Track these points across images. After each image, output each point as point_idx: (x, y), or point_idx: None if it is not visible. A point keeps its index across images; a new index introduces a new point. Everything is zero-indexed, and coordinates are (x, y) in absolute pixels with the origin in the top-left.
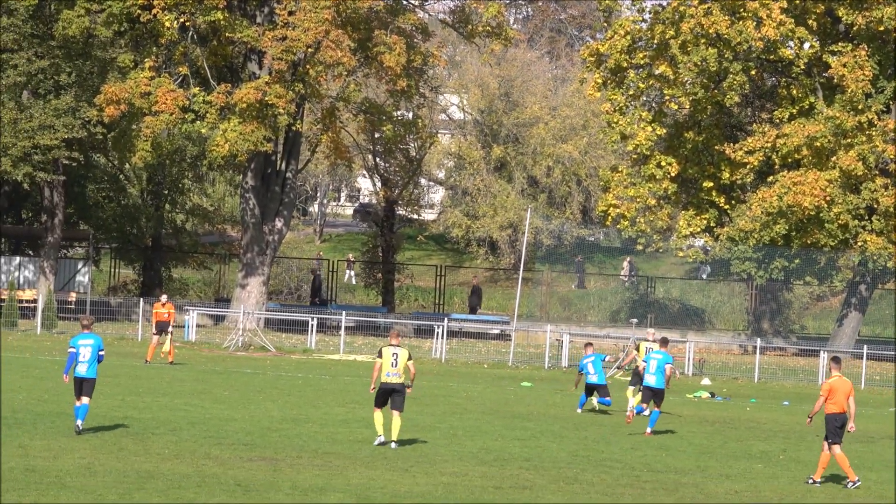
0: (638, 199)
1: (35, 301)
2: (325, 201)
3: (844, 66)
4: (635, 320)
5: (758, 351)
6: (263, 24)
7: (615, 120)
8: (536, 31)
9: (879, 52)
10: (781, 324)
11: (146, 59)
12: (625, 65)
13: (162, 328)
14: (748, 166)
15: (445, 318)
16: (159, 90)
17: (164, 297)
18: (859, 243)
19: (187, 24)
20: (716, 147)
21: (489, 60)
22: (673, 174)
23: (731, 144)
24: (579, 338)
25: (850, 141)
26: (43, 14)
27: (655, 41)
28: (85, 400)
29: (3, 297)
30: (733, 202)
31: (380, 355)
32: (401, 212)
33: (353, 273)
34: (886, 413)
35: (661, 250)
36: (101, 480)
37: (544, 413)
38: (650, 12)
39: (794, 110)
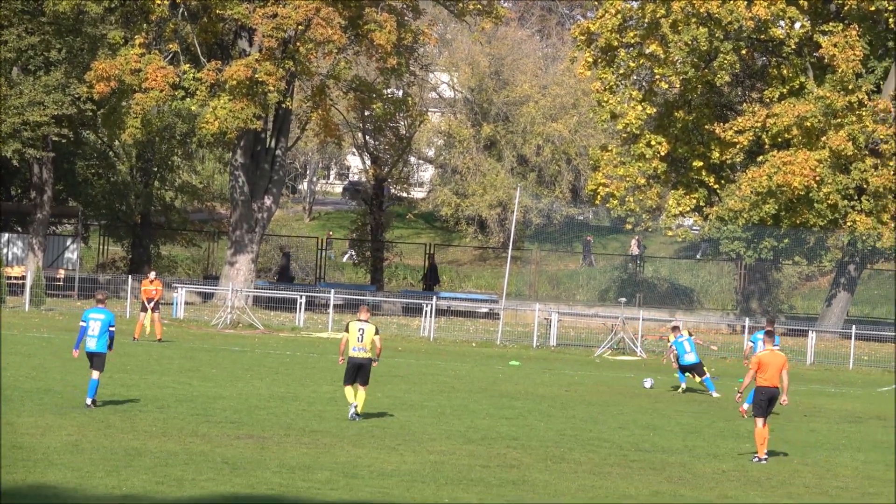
0: (627, 179)
1: (24, 278)
2: (314, 179)
3: (835, 45)
4: (624, 300)
5: (746, 331)
6: (254, 1)
7: (605, 99)
8: (527, 9)
9: (870, 33)
10: (770, 303)
11: (136, 36)
12: (615, 44)
13: (154, 305)
14: (738, 146)
15: (434, 297)
16: (149, 67)
17: (151, 274)
18: (848, 223)
19: (178, 0)
20: (706, 126)
21: (480, 39)
22: (663, 153)
23: (721, 124)
24: (568, 317)
25: (840, 121)
26: None
27: (646, 20)
28: (95, 374)
29: None
30: (723, 182)
31: (346, 329)
32: (391, 190)
33: (331, 252)
34: (874, 393)
35: (650, 230)
36: (89, 457)
37: (532, 392)
38: None
39: (785, 90)
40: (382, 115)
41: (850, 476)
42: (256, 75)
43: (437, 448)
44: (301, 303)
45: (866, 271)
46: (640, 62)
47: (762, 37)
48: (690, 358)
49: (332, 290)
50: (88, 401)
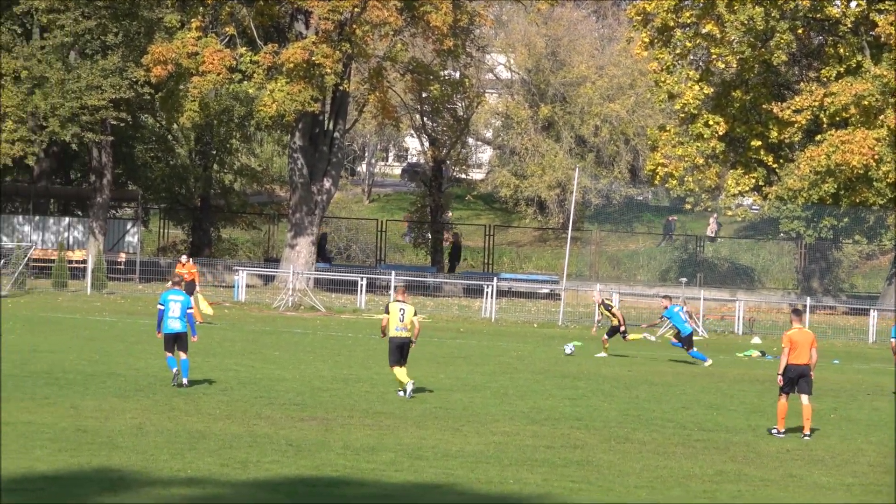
0: (686, 159)
1: (85, 262)
2: (372, 161)
3: (891, 24)
4: (685, 280)
5: (807, 310)
6: None
7: (662, 79)
8: None
9: None
10: (831, 282)
11: (193, 19)
12: (671, 24)
13: (188, 289)
14: (796, 125)
15: (495, 278)
16: (206, 50)
17: (183, 258)
18: None
19: None
20: (763, 106)
21: (536, 20)
22: (721, 133)
23: (779, 103)
24: (629, 297)
25: None
26: None
27: (702, 0)
28: (182, 355)
29: (52, 257)
30: (781, 161)
31: (387, 311)
32: (450, 171)
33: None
34: None
35: (709, 209)
36: (153, 441)
37: (594, 373)
38: None
39: (842, 69)
40: (440, 96)
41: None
42: (313, 58)
43: (500, 429)
44: (362, 285)
45: None
46: (697, 42)
47: (818, 16)
48: (686, 328)
49: (393, 272)
50: (185, 380)
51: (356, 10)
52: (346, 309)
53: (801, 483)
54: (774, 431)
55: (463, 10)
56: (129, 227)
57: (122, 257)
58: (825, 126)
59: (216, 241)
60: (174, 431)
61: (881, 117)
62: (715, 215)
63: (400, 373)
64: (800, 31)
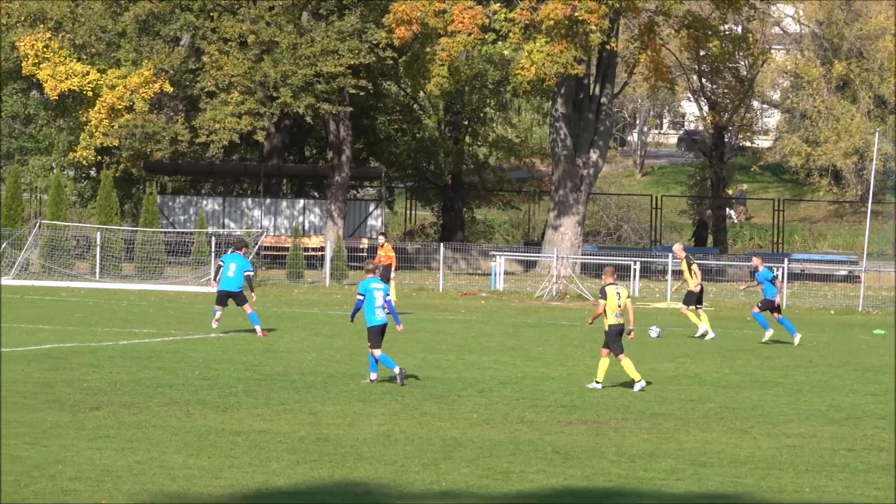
0: None
1: (322, 249)
2: (645, 129)
3: None
4: None
5: None
6: None
7: None
8: None
9: None
10: None
11: None
12: None
13: (384, 275)
14: None
15: (785, 259)
16: (455, 8)
17: (381, 238)
18: None
19: None
20: None
21: None
22: None
23: None
24: None
25: None
26: None
27: None
28: (377, 352)
29: (286, 245)
30: None
31: (604, 296)
32: (732, 139)
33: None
34: None
35: None
36: (403, 449)
37: None
38: None
39: None
40: (720, 54)
41: None
42: (576, 13)
43: (794, 430)
44: (635, 269)
45: None
46: None
47: None
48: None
49: (670, 255)
50: (374, 376)
51: None
52: None
53: None
54: None
55: None
56: (371, 209)
57: (365, 243)
58: None
59: (469, 223)
60: (426, 439)
61: None
62: None
63: (628, 365)
64: None
